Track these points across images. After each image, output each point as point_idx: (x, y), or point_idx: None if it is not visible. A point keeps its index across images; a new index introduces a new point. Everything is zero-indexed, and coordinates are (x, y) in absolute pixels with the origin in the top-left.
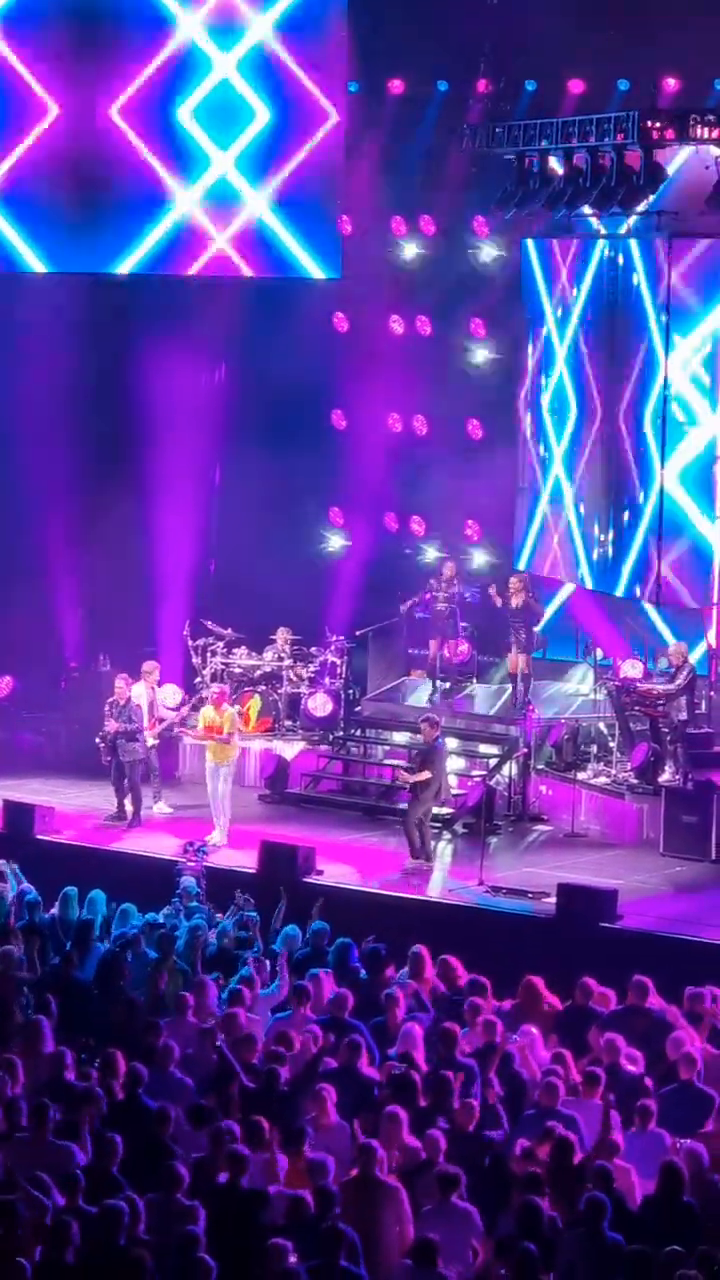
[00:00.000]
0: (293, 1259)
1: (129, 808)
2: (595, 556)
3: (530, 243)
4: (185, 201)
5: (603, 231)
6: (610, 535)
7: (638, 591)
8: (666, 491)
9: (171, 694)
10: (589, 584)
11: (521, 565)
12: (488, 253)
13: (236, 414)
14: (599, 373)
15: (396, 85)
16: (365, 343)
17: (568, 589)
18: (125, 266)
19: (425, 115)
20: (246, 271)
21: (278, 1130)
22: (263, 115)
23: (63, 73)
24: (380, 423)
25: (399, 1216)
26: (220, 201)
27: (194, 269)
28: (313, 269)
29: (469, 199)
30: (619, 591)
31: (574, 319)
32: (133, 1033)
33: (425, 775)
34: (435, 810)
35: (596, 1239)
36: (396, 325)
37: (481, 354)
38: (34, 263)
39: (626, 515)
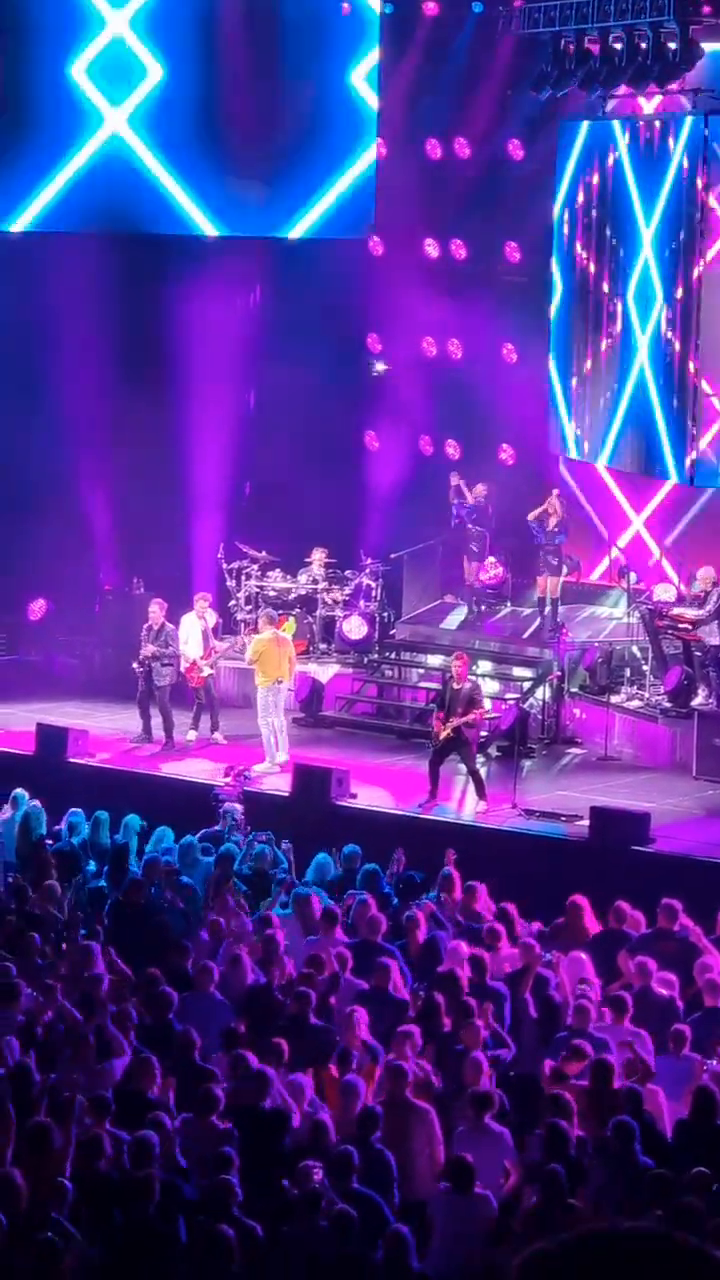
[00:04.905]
0: (318, 1176)
1: (155, 731)
2: (630, 439)
3: (569, 125)
4: None
5: (641, 110)
6: (645, 417)
7: (674, 473)
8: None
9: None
10: (622, 465)
11: (571, 452)
12: (524, 174)
13: (271, 337)
14: (632, 255)
15: (431, 7)
16: (400, 266)
17: (607, 517)
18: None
19: (459, 36)
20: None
21: (307, 1052)
22: None
23: None
24: (415, 346)
25: (430, 1138)
26: None
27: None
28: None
29: (505, 120)
30: (655, 472)
31: (610, 200)
32: (164, 955)
33: (476, 714)
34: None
35: (626, 1162)
36: (431, 248)
37: (516, 277)
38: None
39: (661, 396)
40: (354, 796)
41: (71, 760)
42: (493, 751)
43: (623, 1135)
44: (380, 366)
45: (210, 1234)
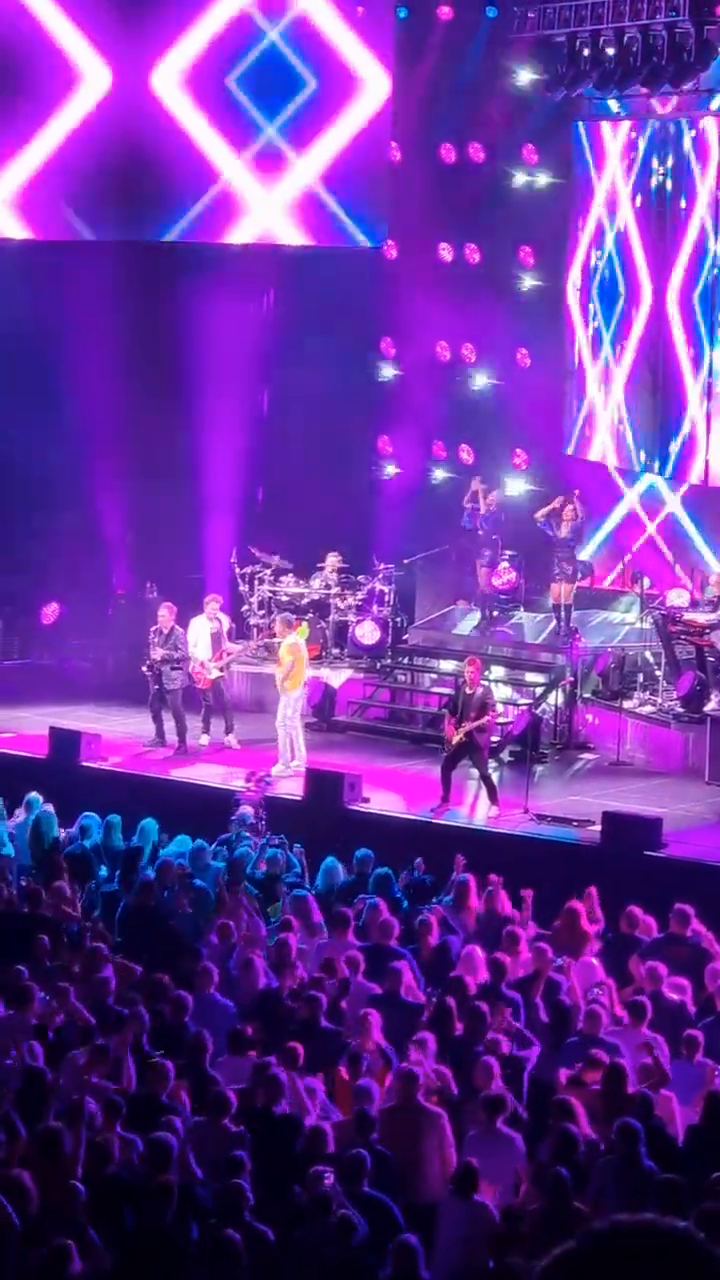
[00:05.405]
0: (329, 1180)
1: (169, 735)
2: (642, 440)
3: (581, 126)
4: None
5: (655, 111)
6: (658, 418)
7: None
8: (716, 372)
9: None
10: (636, 467)
11: (570, 450)
12: (538, 179)
13: (284, 341)
14: (649, 254)
15: (445, 12)
16: (414, 270)
17: (616, 517)
18: (171, 235)
19: (474, 41)
20: (292, 240)
21: (318, 1055)
22: (310, 84)
23: (113, 40)
24: (429, 350)
25: (441, 1142)
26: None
27: (237, 237)
28: (358, 236)
29: (519, 125)
30: (666, 474)
31: (624, 201)
32: (175, 958)
33: (488, 719)
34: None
35: (630, 1166)
36: (445, 253)
37: (530, 281)
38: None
39: (674, 398)
40: (366, 801)
41: (84, 764)
42: (505, 756)
43: (627, 1138)
44: (389, 372)
45: (217, 1239)
